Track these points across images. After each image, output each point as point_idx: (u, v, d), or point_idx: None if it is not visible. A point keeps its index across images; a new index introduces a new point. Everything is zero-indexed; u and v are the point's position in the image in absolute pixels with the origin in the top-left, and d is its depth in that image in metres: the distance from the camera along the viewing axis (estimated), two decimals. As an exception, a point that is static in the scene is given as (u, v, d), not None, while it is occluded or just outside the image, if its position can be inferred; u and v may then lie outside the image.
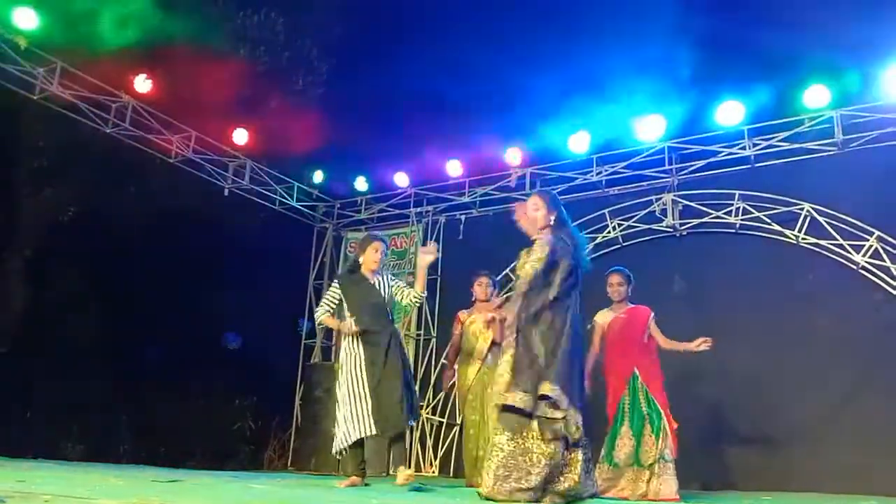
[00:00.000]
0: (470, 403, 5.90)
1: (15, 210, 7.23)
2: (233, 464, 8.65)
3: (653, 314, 5.36)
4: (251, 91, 8.53)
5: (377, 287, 4.95)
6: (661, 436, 4.91)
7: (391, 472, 4.72)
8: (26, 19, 6.84)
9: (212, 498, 2.86)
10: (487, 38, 8.71)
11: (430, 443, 8.75)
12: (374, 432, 4.61)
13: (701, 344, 5.13)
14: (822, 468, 6.58)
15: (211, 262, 8.29)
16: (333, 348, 9.96)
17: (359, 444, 4.74)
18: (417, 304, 5.18)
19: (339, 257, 10.35)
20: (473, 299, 6.15)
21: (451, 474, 8.47)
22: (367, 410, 4.64)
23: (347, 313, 4.92)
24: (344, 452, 4.80)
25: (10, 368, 6.71)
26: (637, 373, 5.08)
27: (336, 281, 5.16)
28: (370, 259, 4.99)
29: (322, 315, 5.06)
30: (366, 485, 4.76)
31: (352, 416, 4.67)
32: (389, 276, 5.18)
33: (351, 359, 4.81)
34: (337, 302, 5.04)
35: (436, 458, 8.70)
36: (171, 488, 3.44)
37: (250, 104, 8.60)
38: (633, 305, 5.42)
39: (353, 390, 4.72)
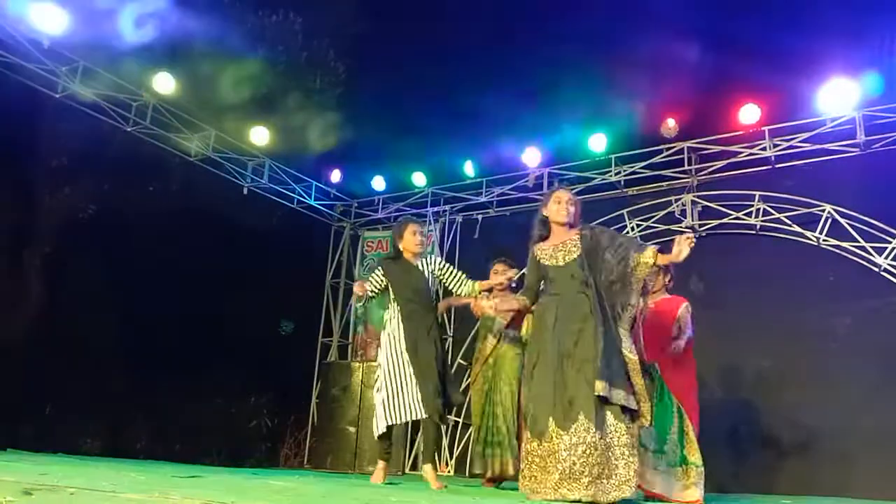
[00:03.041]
0: (483, 373, 5.82)
1: (35, 208, 7.29)
2: (249, 461, 8.69)
3: (685, 304, 5.20)
4: (270, 90, 8.57)
5: (420, 269, 4.86)
6: (684, 440, 4.82)
7: (407, 470, 4.67)
8: (50, 18, 6.91)
9: (234, 493, 2.87)
10: (506, 38, 8.70)
11: (445, 442, 8.75)
12: (422, 415, 4.52)
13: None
14: (843, 472, 6.52)
15: (229, 259, 8.32)
16: (350, 347, 9.99)
17: (388, 431, 4.70)
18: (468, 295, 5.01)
19: (356, 256, 10.38)
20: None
21: (468, 474, 8.45)
22: (413, 394, 4.56)
23: (393, 299, 4.84)
24: (382, 435, 4.71)
25: (29, 365, 6.77)
26: (656, 366, 4.92)
27: (380, 266, 5.01)
28: (411, 242, 4.87)
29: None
30: (394, 473, 4.72)
31: (394, 401, 4.59)
32: (436, 258, 5.04)
33: (394, 342, 4.72)
34: (381, 286, 4.91)
35: (451, 457, 8.69)
36: (193, 484, 3.46)
37: (269, 103, 8.64)
38: (668, 297, 5.25)
39: (396, 374, 4.62)
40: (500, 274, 5.55)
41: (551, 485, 3.51)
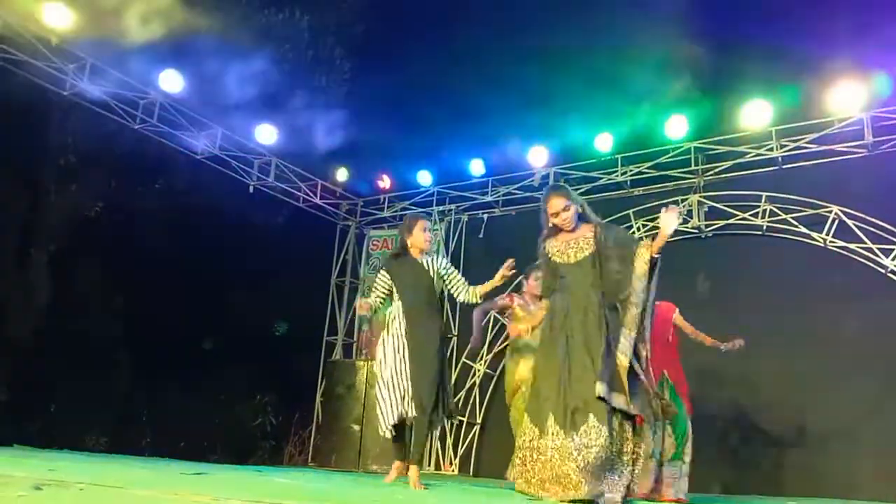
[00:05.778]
0: (523, 395, 5.77)
1: (42, 205, 7.32)
2: (253, 459, 8.71)
3: (677, 310, 5.25)
4: (277, 89, 8.57)
5: (426, 268, 4.72)
6: (684, 439, 4.86)
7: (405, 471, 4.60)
8: (58, 16, 6.93)
9: (240, 490, 2.88)
10: (511, 37, 8.69)
11: (449, 441, 8.76)
12: (414, 414, 4.45)
13: (733, 345, 5.07)
14: (851, 473, 6.51)
15: (235, 258, 8.34)
16: (355, 345, 9.99)
17: (401, 429, 4.65)
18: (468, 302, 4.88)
19: (362, 255, 10.39)
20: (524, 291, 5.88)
21: (472, 473, 8.47)
22: (408, 393, 4.49)
23: (397, 297, 4.73)
24: (388, 434, 4.63)
25: (35, 362, 6.79)
26: (666, 375, 4.96)
27: (383, 268, 4.86)
28: (420, 239, 4.72)
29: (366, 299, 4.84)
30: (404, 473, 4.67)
31: (391, 399, 4.53)
32: (442, 258, 4.91)
33: (395, 340, 4.62)
34: (388, 289, 4.78)
35: (455, 456, 8.70)
36: (199, 480, 3.46)
37: (276, 102, 8.64)
38: (657, 302, 5.24)
39: (395, 372, 4.55)
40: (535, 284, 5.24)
41: (547, 477, 3.43)
